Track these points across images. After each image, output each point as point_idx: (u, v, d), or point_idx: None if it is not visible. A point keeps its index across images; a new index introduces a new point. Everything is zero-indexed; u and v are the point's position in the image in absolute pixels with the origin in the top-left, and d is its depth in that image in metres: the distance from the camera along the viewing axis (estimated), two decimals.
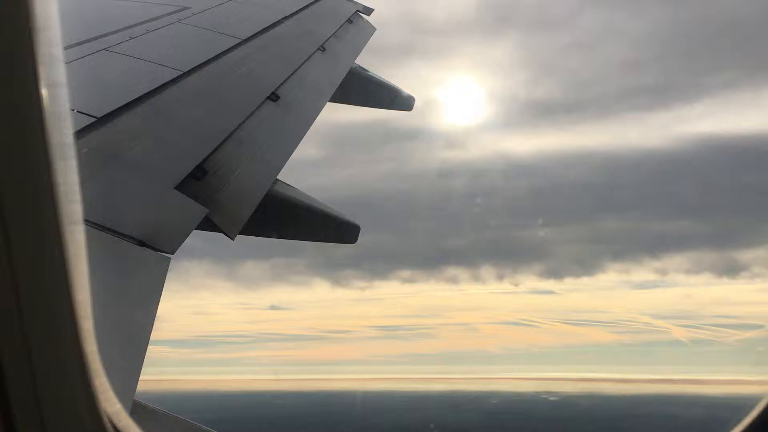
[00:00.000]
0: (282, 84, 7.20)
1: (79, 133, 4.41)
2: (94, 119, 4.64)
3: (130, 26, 6.89)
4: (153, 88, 5.58)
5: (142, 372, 3.00)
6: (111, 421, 1.57)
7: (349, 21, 10.86)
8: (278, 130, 6.59)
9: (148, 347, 3.19)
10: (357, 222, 7.94)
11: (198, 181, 4.87)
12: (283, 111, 6.82)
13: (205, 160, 5.11)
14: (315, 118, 7.42)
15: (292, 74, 7.60)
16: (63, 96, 1.42)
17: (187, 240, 4.20)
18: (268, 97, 6.74)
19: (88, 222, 1.56)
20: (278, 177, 6.41)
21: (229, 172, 5.31)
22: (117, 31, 6.62)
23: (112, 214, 3.87)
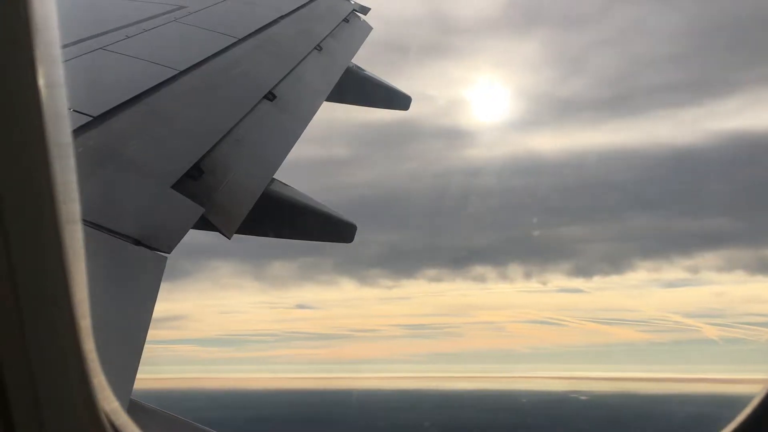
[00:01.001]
0: (278, 83, 7.20)
1: (76, 132, 4.41)
2: (90, 118, 4.64)
3: (127, 25, 6.89)
4: (149, 87, 5.58)
5: (140, 371, 3.01)
6: (109, 419, 1.58)
7: (346, 20, 10.86)
8: (275, 130, 6.59)
9: (145, 347, 3.19)
10: (353, 221, 7.94)
11: (194, 181, 4.87)
12: (279, 110, 6.82)
13: (201, 159, 5.11)
14: (311, 118, 7.42)
15: (288, 73, 7.60)
16: (62, 96, 1.43)
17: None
18: (265, 96, 6.74)
19: (84, 221, 1.56)
20: (276, 176, 6.41)
21: (226, 171, 5.32)
22: (113, 30, 6.62)
23: (109, 213, 3.87)
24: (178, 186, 4.65)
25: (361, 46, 10.63)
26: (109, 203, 4.06)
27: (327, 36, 9.63)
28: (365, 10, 12.02)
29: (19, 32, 1.32)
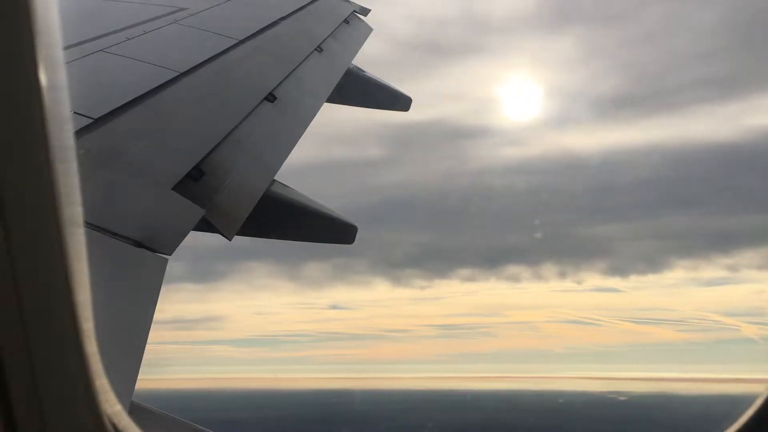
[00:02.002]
0: (279, 84, 7.20)
1: (77, 134, 4.40)
2: (91, 120, 4.64)
3: (127, 27, 6.89)
4: (150, 89, 5.58)
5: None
6: (111, 422, 1.58)
7: (346, 21, 10.86)
8: (275, 131, 6.59)
9: (146, 349, 3.19)
10: (354, 222, 7.94)
11: (195, 182, 4.87)
12: (280, 112, 6.82)
13: (202, 160, 5.11)
14: (312, 119, 7.42)
15: (289, 75, 7.60)
16: (64, 98, 1.42)
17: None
18: (265, 98, 6.74)
19: (85, 223, 1.56)
20: (276, 177, 6.41)
21: (227, 172, 5.32)
22: (114, 32, 6.62)
23: (110, 215, 3.87)
24: (178, 187, 4.65)
25: (364, 48, 10.63)
26: (110, 205, 4.06)
27: (327, 37, 9.64)
28: (365, 11, 12.02)
29: (21, 34, 1.32)
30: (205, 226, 4.81)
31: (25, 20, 1.32)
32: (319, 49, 8.99)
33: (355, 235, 7.84)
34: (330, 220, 7.69)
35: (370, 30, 11.51)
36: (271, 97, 6.81)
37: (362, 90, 10.61)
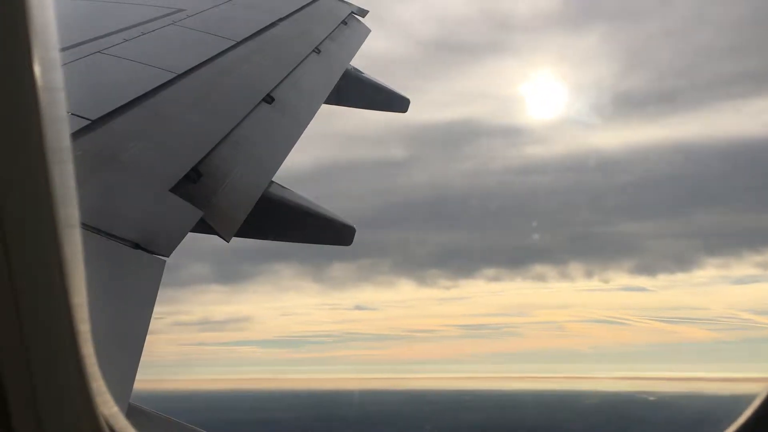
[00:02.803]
0: (277, 86, 7.19)
1: (74, 136, 4.40)
2: (88, 121, 4.64)
3: (125, 28, 6.88)
4: (148, 90, 5.58)
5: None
6: (108, 424, 1.57)
7: (344, 23, 10.86)
8: (273, 132, 6.59)
9: (144, 349, 3.19)
10: (352, 224, 7.93)
11: (193, 184, 4.87)
12: (278, 113, 6.82)
13: (200, 162, 5.11)
14: (310, 120, 7.42)
15: (287, 76, 7.60)
16: (60, 100, 1.42)
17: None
18: (263, 99, 6.73)
19: (82, 225, 1.56)
20: (282, 181, 6.42)
21: (225, 174, 5.31)
22: (111, 33, 6.61)
23: (107, 217, 3.86)
24: (176, 189, 4.64)
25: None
26: (107, 207, 4.05)
27: (325, 39, 9.63)
28: (363, 12, 12.03)
29: (17, 34, 1.32)
30: (203, 227, 4.80)
31: (22, 20, 1.31)
32: (317, 50, 8.99)
33: (353, 237, 7.84)
34: (328, 222, 7.68)
35: (368, 31, 11.52)
36: (269, 99, 6.81)
37: (360, 91, 10.61)
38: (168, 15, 7.76)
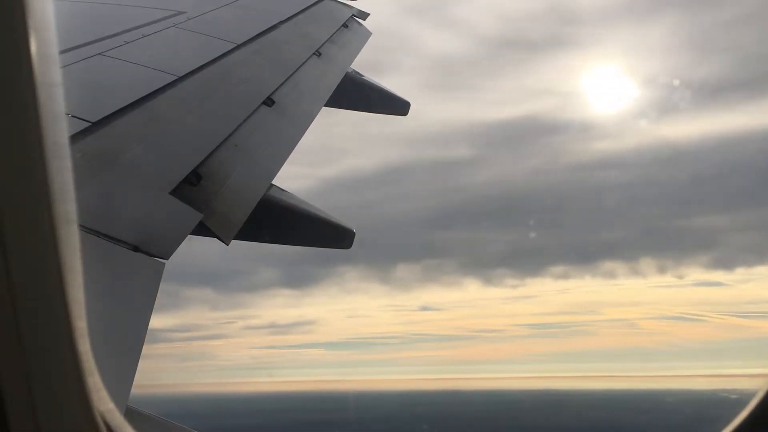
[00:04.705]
0: (277, 89, 7.19)
1: (74, 138, 4.39)
2: (88, 124, 4.63)
3: (125, 31, 6.88)
4: (148, 92, 5.57)
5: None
6: (104, 419, 1.57)
7: (345, 25, 10.87)
8: (273, 135, 6.58)
9: (143, 350, 3.18)
10: (352, 227, 7.92)
11: (193, 186, 4.86)
12: (278, 116, 6.81)
13: (200, 165, 5.10)
14: (310, 123, 7.42)
15: (287, 79, 7.59)
16: (58, 96, 1.41)
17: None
18: (264, 102, 6.73)
19: (82, 227, 1.55)
20: (273, 182, 6.40)
21: (224, 177, 5.30)
22: (112, 35, 6.61)
23: (107, 219, 3.86)
24: (176, 192, 4.64)
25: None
26: (107, 209, 4.05)
27: (326, 41, 9.64)
28: (364, 15, 12.03)
29: (15, 31, 1.31)
30: (202, 230, 4.79)
31: (20, 16, 1.31)
32: (317, 53, 8.99)
33: (352, 240, 7.83)
34: (328, 225, 7.67)
35: (369, 34, 11.52)
36: (269, 102, 6.81)
37: (361, 94, 10.61)
38: (169, 17, 7.76)
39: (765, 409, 2.09)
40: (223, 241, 4.97)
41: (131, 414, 2.96)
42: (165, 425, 3.89)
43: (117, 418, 1.63)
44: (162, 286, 3.70)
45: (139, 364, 3.09)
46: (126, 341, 3.16)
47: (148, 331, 3.33)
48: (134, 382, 2.97)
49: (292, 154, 6.45)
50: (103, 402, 1.56)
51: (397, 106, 11.49)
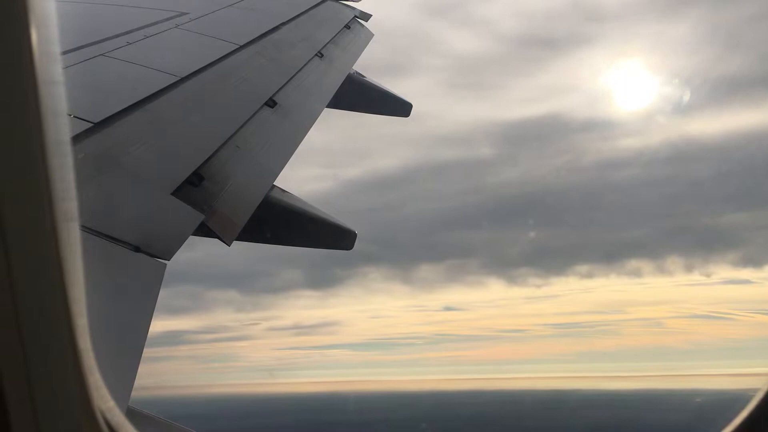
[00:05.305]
0: (279, 90, 7.19)
1: (76, 138, 4.39)
2: (91, 124, 4.64)
3: (128, 32, 6.88)
4: (150, 93, 5.57)
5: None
6: (104, 417, 1.56)
7: (347, 27, 10.87)
8: (275, 136, 6.58)
9: (144, 350, 3.18)
10: (353, 229, 7.92)
11: (195, 187, 4.86)
12: (280, 117, 6.81)
13: (201, 166, 5.10)
14: (312, 125, 7.42)
15: (289, 80, 7.60)
16: (59, 94, 1.41)
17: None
18: (266, 103, 6.73)
19: (84, 227, 1.55)
20: (275, 183, 6.40)
21: (226, 178, 5.30)
22: (114, 36, 6.62)
23: (109, 220, 3.86)
24: (178, 193, 4.64)
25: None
26: (109, 209, 4.05)
27: (328, 43, 9.64)
28: (366, 16, 12.04)
29: (17, 28, 1.31)
30: (204, 231, 4.79)
31: (22, 14, 1.31)
32: (319, 54, 8.99)
33: (354, 241, 7.83)
34: (329, 226, 7.67)
35: (371, 35, 11.53)
36: (271, 103, 6.81)
37: (362, 95, 10.62)
38: (171, 18, 7.77)
39: (765, 409, 2.08)
40: (224, 242, 4.97)
41: (132, 414, 2.96)
42: (165, 425, 3.89)
43: (117, 416, 1.63)
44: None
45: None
46: (127, 341, 3.16)
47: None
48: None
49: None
50: (104, 400, 1.56)
51: (398, 106, 11.49)
